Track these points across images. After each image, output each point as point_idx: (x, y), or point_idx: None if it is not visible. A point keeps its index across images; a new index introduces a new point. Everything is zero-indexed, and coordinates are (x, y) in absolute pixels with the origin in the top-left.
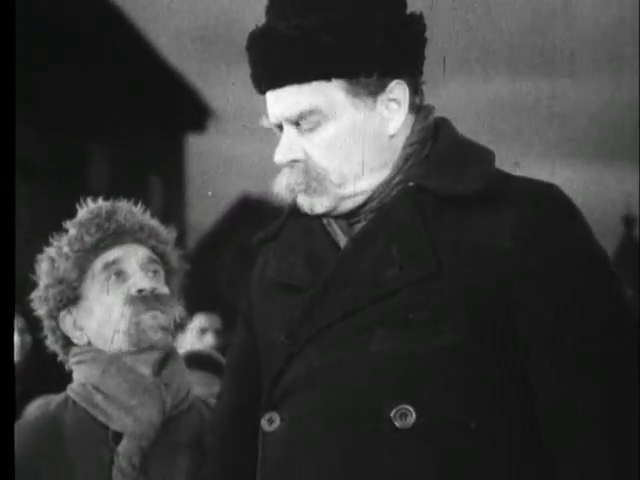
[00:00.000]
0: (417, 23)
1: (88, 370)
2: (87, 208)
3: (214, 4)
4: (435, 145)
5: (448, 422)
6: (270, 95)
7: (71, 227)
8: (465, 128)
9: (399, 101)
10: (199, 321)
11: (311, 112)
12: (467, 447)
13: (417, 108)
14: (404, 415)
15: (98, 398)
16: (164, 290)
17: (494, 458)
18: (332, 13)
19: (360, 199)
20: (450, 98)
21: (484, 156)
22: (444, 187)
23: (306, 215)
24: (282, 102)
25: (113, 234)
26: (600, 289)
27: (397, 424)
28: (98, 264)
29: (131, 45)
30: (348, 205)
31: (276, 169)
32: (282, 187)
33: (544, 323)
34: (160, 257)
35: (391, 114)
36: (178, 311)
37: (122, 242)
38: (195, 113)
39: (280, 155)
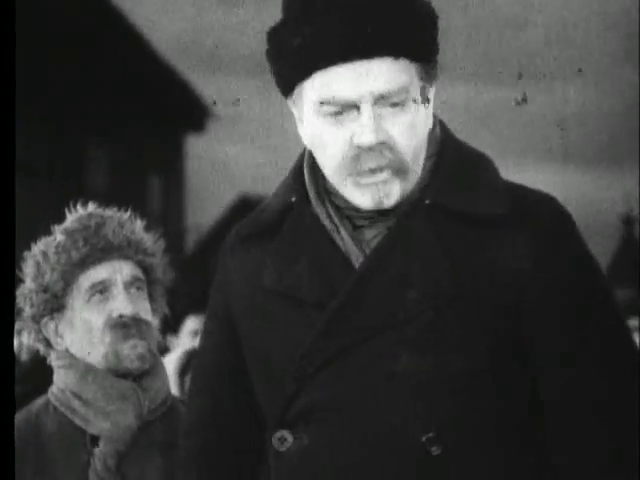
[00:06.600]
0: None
1: (66, 376)
2: (77, 215)
3: (215, 5)
4: (442, 155)
5: (474, 442)
6: (350, 67)
7: (59, 234)
8: (469, 130)
9: (431, 97)
10: (191, 323)
11: (402, 91)
12: (492, 465)
13: None
14: (433, 441)
15: (76, 404)
16: (145, 315)
17: (516, 474)
18: None
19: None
20: (454, 100)
21: (489, 168)
22: (462, 206)
23: (305, 218)
24: (377, 76)
25: (100, 250)
26: (603, 299)
27: (428, 449)
28: (83, 281)
29: (131, 45)
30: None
31: (276, 170)
32: (365, 170)
33: (560, 339)
34: (145, 270)
35: (428, 110)
36: (156, 338)
37: (109, 259)
38: (195, 113)
39: (371, 136)
